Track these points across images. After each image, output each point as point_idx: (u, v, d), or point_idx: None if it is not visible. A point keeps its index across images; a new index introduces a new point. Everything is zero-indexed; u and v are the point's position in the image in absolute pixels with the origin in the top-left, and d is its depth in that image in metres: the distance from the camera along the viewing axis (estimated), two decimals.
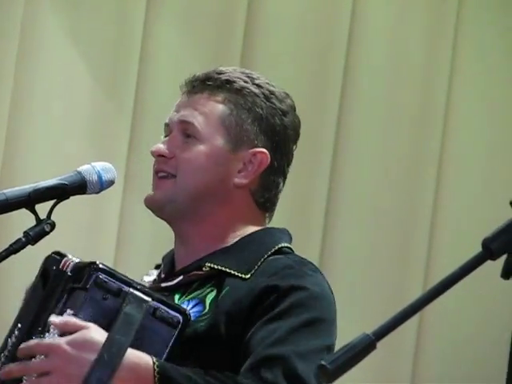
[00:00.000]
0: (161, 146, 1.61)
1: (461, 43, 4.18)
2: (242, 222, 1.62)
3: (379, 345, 0.89)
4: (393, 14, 4.23)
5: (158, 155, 1.60)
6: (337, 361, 0.87)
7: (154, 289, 1.55)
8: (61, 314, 1.42)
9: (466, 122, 4.19)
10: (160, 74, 3.62)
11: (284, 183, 1.69)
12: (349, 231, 3.96)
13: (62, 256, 1.56)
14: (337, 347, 1.17)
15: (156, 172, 1.62)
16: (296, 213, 3.67)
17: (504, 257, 0.90)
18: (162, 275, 1.62)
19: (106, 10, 3.89)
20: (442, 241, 4.05)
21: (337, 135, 4.00)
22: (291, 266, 1.53)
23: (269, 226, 1.67)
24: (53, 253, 1.59)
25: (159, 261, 1.73)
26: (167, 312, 1.41)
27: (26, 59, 3.67)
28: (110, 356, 1.29)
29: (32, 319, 1.52)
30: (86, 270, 1.44)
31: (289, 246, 1.60)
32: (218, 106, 1.60)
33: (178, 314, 1.41)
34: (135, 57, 3.66)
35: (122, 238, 3.57)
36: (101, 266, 1.43)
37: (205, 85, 1.61)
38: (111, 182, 1.66)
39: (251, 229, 1.61)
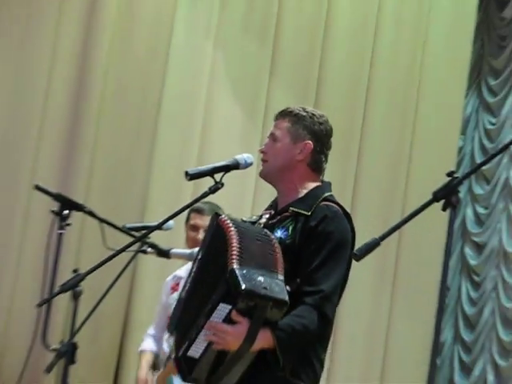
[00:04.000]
0: (262, 147, 3.08)
1: None
2: (306, 180, 3.00)
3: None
4: None
5: (261, 151, 3.07)
6: (361, 250, 1.94)
7: (266, 225, 2.90)
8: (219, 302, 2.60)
9: None
10: None
11: (326, 160, 3.09)
12: None
13: (219, 216, 2.82)
14: None
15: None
16: None
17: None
18: (272, 212, 2.95)
19: None
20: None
21: None
22: (330, 211, 2.85)
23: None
24: (216, 213, 2.94)
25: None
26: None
27: None
28: (251, 335, 2.54)
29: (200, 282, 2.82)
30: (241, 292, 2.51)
31: (330, 193, 2.96)
32: (285, 124, 3.03)
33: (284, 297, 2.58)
34: None
35: (259, 193, 5.89)
36: (245, 291, 2.46)
37: (281, 114, 3.10)
38: (251, 164, 3.01)
39: (312, 185, 2.97)
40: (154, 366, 4.72)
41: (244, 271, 2.50)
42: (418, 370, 6.48)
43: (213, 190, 2.91)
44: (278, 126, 3.09)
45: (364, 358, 7.00)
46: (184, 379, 2.99)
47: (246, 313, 2.64)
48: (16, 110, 6.37)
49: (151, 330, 4.98)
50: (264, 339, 2.76)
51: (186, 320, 2.96)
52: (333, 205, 2.95)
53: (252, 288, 2.50)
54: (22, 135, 6.43)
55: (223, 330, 2.72)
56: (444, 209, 2.12)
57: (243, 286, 2.44)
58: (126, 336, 6.67)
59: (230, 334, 2.71)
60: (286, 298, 2.61)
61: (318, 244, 2.89)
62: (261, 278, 2.53)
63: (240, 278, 2.47)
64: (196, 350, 2.82)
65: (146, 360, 4.95)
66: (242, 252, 2.58)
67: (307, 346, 2.94)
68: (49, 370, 3.16)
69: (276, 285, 2.60)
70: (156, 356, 4.83)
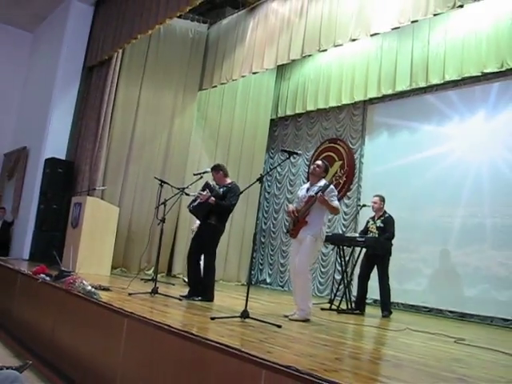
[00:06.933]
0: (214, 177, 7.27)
1: None
2: (226, 180, 7.21)
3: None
4: None
5: (213, 179, 7.29)
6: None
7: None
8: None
9: None
10: None
11: (228, 174, 7.32)
12: None
13: (207, 183, 7.09)
14: None
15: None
16: None
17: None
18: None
19: None
20: None
21: None
22: (233, 184, 7.14)
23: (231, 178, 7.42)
24: (206, 181, 7.18)
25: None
26: (218, 189, 7.08)
27: None
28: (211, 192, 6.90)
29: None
30: (209, 183, 7.15)
31: (234, 181, 7.29)
32: (216, 170, 7.24)
33: (221, 190, 7.11)
34: None
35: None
36: (208, 183, 7.10)
37: (213, 170, 7.27)
38: (209, 172, 7.28)
39: (228, 181, 7.22)
40: None
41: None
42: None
43: (199, 177, 7.12)
44: (215, 171, 7.09)
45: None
46: (198, 215, 7.22)
47: (209, 191, 6.83)
48: (148, 151, 11.64)
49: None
50: (211, 199, 6.69)
51: (192, 204, 7.08)
52: (235, 184, 7.04)
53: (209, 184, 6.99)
54: (151, 158, 11.67)
55: (203, 194, 6.77)
56: (260, 182, 5.24)
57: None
58: (178, 228, 11.97)
59: (205, 194, 6.77)
60: (220, 191, 6.88)
61: (231, 191, 6.85)
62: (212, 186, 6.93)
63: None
64: (194, 204, 7.00)
65: (195, 225, 8.75)
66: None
67: (225, 208, 6.83)
68: (158, 224, 6.77)
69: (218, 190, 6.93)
70: None
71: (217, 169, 7.25)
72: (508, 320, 8.56)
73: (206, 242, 6.96)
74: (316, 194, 6.04)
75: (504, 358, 4.70)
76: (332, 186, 6.19)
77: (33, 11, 12.73)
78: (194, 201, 7.13)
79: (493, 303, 8.81)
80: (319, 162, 6.44)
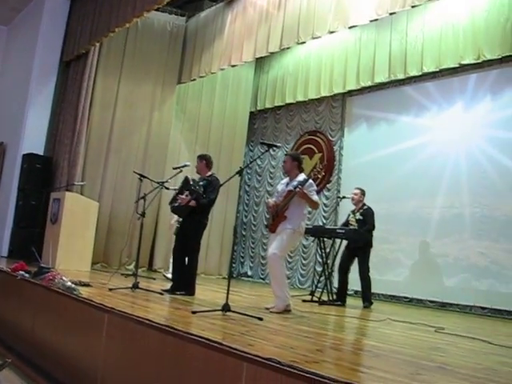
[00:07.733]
0: (196, 165, 7.12)
1: None
2: (208, 171, 7.08)
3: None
4: None
5: (196, 167, 7.14)
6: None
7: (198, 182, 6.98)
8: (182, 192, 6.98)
9: None
10: None
11: (212, 165, 7.19)
12: None
13: (187, 181, 6.94)
14: None
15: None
16: None
17: None
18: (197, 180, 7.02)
19: None
20: None
21: None
22: (213, 178, 7.01)
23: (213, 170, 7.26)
24: (185, 176, 7.10)
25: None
26: (199, 186, 6.94)
27: None
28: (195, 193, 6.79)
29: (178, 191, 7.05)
30: (188, 181, 6.99)
31: (214, 173, 7.14)
32: (200, 159, 7.14)
33: (201, 183, 7.00)
34: None
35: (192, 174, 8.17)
36: (188, 180, 6.94)
37: (198, 157, 7.29)
38: (189, 165, 7.08)
39: (210, 173, 7.08)
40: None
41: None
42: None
43: (179, 171, 6.84)
44: (199, 159, 6.99)
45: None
46: (180, 215, 7.38)
47: (190, 194, 6.70)
48: (127, 145, 11.59)
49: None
50: (192, 202, 6.61)
51: (173, 203, 6.90)
52: (215, 177, 6.93)
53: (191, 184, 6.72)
54: (131, 153, 11.53)
55: (182, 197, 6.65)
56: (239, 175, 5.31)
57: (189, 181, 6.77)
58: (158, 222, 11.83)
59: (185, 198, 6.63)
60: (201, 190, 6.73)
61: (210, 185, 6.76)
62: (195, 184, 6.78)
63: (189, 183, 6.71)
64: (175, 205, 6.85)
65: (174, 219, 9.20)
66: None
67: (206, 206, 6.77)
68: (138, 218, 6.72)
69: (198, 188, 6.73)
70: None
71: (202, 158, 7.22)
72: (486, 308, 8.68)
73: (189, 237, 6.96)
74: (295, 188, 6.05)
75: (482, 346, 4.77)
76: (311, 181, 6.19)
77: (7, 4, 12.65)
78: (174, 199, 7.08)
79: (472, 292, 8.94)
80: (284, 158, 6.46)
